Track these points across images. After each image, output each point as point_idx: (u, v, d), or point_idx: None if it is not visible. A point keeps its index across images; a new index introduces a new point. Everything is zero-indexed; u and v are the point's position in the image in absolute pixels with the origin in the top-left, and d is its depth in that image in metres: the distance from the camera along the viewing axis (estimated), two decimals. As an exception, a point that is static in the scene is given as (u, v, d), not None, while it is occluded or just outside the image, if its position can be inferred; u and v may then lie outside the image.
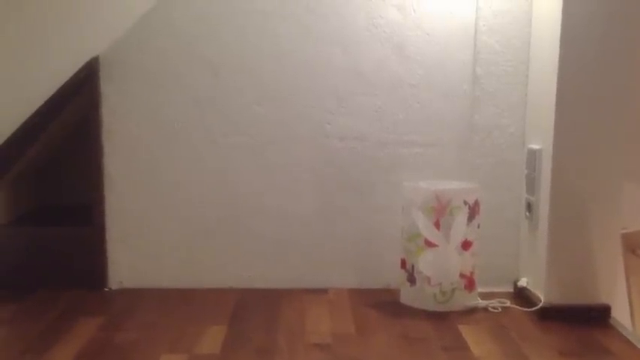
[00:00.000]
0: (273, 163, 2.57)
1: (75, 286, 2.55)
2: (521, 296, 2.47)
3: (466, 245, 2.36)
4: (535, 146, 2.40)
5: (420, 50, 2.51)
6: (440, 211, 2.33)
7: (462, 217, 2.33)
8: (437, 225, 2.33)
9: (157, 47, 2.49)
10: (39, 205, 2.99)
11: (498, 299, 2.44)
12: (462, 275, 2.37)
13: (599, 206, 2.26)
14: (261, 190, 2.58)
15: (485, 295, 2.45)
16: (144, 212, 2.58)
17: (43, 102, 2.43)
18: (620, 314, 2.25)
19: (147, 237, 2.59)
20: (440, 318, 2.30)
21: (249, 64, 2.51)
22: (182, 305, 2.43)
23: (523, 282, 2.49)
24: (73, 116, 2.68)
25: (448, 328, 2.22)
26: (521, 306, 2.40)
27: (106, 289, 2.59)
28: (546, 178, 2.30)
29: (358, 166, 2.57)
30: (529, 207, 2.44)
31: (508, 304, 2.42)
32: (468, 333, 2.17)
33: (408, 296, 2.43)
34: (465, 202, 2.33)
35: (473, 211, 2.35)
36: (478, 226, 2.39)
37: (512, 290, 2.56)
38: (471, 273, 2.39)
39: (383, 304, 2.45)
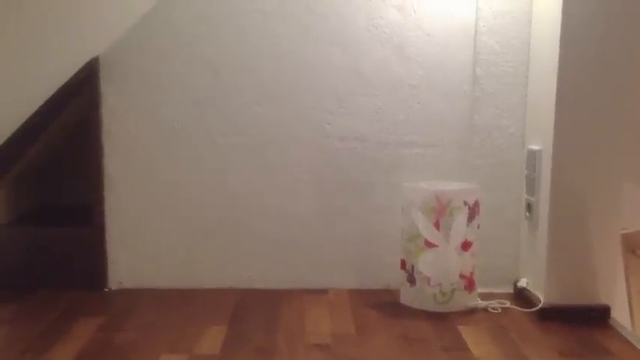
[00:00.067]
0: (273, 163, 2.57)
1: (75, 286, 2.55)
2: (521, 297, 2.47)
3: (466, 246, 2.35)
4: (535, 147, 2.40)
5: (420, 51, 2.51)
6: (440, 212, 2.33)
7: (461, 217, 2.33)
8: (437, 225, 2.33)
9: (157, 47, 2.50)
10: (39, 205, 2.99)
11: (498, 300, 2.44)
12: (461, 276, 2.37)
13: (599, 206, 2.26)
14: (261, 190, 2.58)
15: (485, 296, 2.45)
16: (144, 212, 2.58)
17: (43, 102, 2.43)
18: (620, 315, 2.25)
19: (147, 237, 2.59)
20: (440, 318, 2.30)
21: (249, 64, 2.51)
22: (182, 305, 2.43)
23: (523, 282, 2.49)
24: (73, 116, 2.68)
25: (448, 329, 2.22)
26: (521, 306, 2.40)
27: (106, 290, 2.59)
28: (546, 179, 2.30)
29: (358, 166, 2.57)
30: (529, 207, 2.44)
31: (508, 304, 2.42)
32: (468, 333, 2.17)
33: (408, 297, 2.43)
34: (465, 203, 2.33)
35: (473, 212, 2.35)
36: (478, 227, 2.39)
37: (512, 291, 2.55)
38: (471, 273, 2.39)
39: (383, 304, 2.45)
